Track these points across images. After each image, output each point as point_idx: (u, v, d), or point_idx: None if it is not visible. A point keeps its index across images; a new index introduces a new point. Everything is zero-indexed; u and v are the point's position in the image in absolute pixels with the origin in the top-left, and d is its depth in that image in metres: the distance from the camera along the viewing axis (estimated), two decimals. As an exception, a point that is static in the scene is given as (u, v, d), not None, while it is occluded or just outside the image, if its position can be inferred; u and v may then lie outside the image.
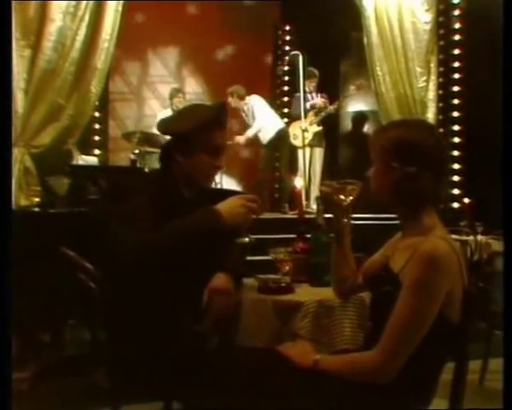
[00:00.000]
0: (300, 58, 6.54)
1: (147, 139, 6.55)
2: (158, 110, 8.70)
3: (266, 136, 6.89)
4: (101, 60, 5.74)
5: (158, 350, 1.85)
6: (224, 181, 7.30)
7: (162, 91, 8.93)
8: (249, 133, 6.89)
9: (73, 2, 5.57)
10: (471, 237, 5.27)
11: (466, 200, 5.52)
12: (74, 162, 4.67)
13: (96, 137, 7.50)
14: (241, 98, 6.98)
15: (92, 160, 4.83)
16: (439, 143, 1.73)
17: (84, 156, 4.80)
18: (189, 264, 1.89)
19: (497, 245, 5.35)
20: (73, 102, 5.62)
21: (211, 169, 2.14)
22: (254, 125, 6.87)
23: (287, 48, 8.44)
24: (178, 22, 8.68)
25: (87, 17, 5.64)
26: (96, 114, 7.46)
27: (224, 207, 1.91)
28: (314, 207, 6.94)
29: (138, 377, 1.83)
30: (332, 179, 2.02)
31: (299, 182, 2.50)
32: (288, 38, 8.49)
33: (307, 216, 5.70)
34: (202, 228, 1.86)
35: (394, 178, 1.67)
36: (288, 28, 8.53)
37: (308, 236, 2.44)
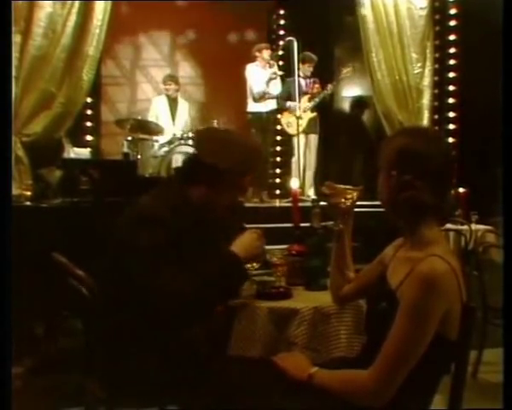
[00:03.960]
0: (295, 44, 6.44)
1: (139, 126, 6.49)
2: (151, 94, 8.63)
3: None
4: (92, 46, 5.66)
5: (153, 362, 1.83)
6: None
7: (155, 75, 8.82)
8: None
9: (63, -12, 5.48)
10: (466, 227, 5.26)
11: (461, 189, 5.49)
12: (66, 155, 4.60)
13: (88, 123, 7.43)
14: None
15: (84, 152, 4.77)
16: (444, 153, 1.66)
17: (76, 149, 4.74)
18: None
19: (492, 235, 5.36)
20: (65, 90, 5.56)
21: (233, 204, 2.16)
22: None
23: (281, 32, 8.33)
24: (171, 6, 8.55)
25: (77, 2, 5.56)
26: (88, 100, 7.38)
27: (241, 247, 2.01)
28: (310, 193, 7.02)
29: (133, 389, 1.81)
30: (329, 178, 1.99)
31: (295, 183, 2.45)
32: (282, 22, 8.38)
33: (302, 204, 5.79)
34: (226, 274, 1.95)
35: (393, 187, 1.64)
36: (282, 12, 8.41)
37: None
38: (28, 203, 3.62)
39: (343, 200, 1.92)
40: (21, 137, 5.34)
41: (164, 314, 1.84)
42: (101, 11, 5.66)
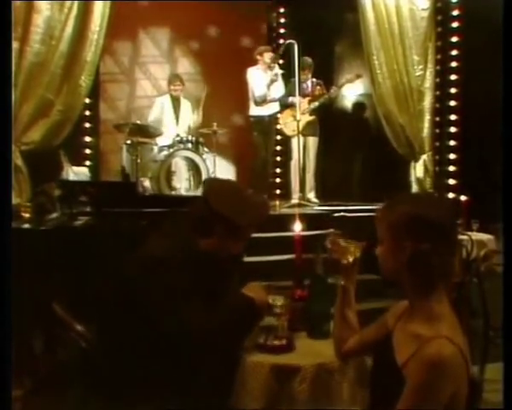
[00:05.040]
0: (295, 47, 6.38)
1: (139, 130, 6.44)
2: (150, 91, 8.56)
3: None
4: (90, 52, 5.61)
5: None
6: (219, 166, 7.22)
7: (154, 72, 8.75)
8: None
9: (61, -7, 5.40)
10: (466, 237, 5.24)
11: (462, 197, 5.46)
12: (64, 174, 4.55)
13: (87, 124, 7.38)
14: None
15: (83, 171, 4.72)
16: (451, 217, 1.64)
17: (74, 168, 4.69)
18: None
19: (493, 243, 5.35)
20: (63, 97, 5.51)
21: (241, 253, 2.22)
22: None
23: (281, 30, 8.26)
24: (170, 2, 8.44)
25: (75, 8, 5.50)
26: (87, 100, 7.32)
27: (253, 293, 2.07)
28: (310, 196, 6.99)
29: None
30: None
31: (298, 226, 2.42)
32: (282, 20, 8.30)
33: (302, 211, 5.79)
34: (243, 315, 2.02)
35: (407, 257, 1.59)
36: (282, 10, 8.32)
37: (306, 282, 2.39)
38: (27, 226, 3.59)
39: (346, 257, 1.90)
40: (20, 146, 5.30)
41: (182, 355, 1.89)
42: (99, 16, 5.59)
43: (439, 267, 1.57)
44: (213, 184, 2.21)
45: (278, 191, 8.07)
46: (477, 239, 5.24)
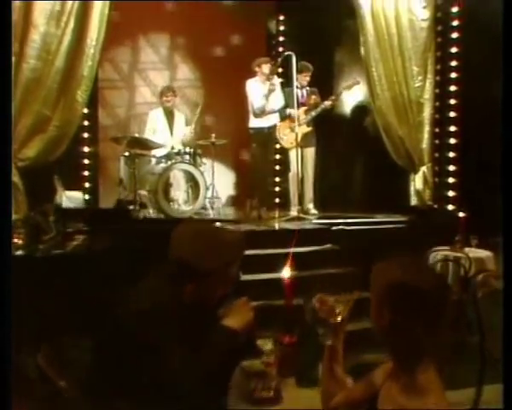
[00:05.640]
0: (294, 58, 6.36)
1: (136, 142, 6.42)
2: (149, 98, 8.54)
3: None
4: (87, 66, 5.57)
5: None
6: (219, 180, 7.21)
7: (153, 79, 8.73)
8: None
9: (58, 7, 5.37)
10: (464, 254, 5.22)
11: (460, 214, 5.42)
12: (58, 199, 4.53)
13: (86, 134, 7.35)
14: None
15: (77, 196, 4.70)
16: (439, 288, 1.59)
17: (67, 192, 4.66)
18: None
19: (492, 261, 5.32)
20: (59, 113, 5.48)
21: (226, 291, 2.16)
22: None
23: (280, 38, 8.23)
24: (170, 8, 8.42)
25: (72, 22, 5.47)
26: (85, 111, 7.30)
27: (236, 319, 2.05)
28: (309, 206, 6.96)
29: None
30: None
31: (287, 272, 2.38)
32: (281, 27, 8.26)
33: (300, 226, 5.74)
34: (225, 349, 2.00)
35: (384, 325, 1.58)
36: (281, 18, 8.27)
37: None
38: (20, 252, 3.57)
39: (334, 317, 1.87)
40: (17, 162, 5.28)
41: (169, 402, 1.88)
42: (95, 30, 5.55)
43: (422, 339, 1.54)
44: (180, 232, 2.16)
45: (278, 200, 8.05)
46: (475, 257, 5.22)
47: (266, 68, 6.58)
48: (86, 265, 3.41)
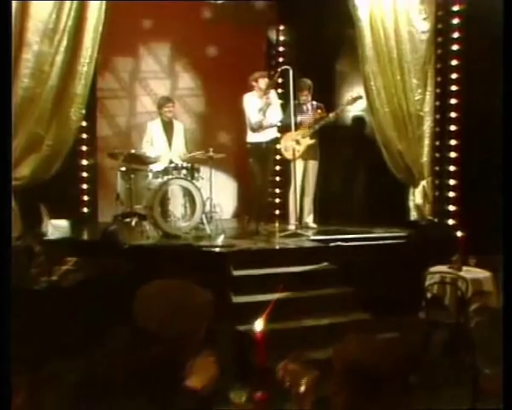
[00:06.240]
0: (291, 72, 6.29)
1: (133, 158, 6.40)
2: (150, 107, 8.48)
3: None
4: (80, 85, 5.54)
5: None
6: (220, 190, 7.17)
7: (154, 88, 8.69)
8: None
9: (51, 25, 5.34)
10: (462, 273, 5.14)
11: (459, 233, 5.33)
12: (44, 228, 4.50)
13: (84, 147, 7.34)
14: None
15: (62, 224, 4.66)
16: (393, 370, 1.55)
17: (53, 221, 4.62)
18: None
19: (490, 282, 5.22)
20: (53, 132, 5.47)
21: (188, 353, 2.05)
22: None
23: (281, 48, 8.15)
24: (170, 17, 8.36)
25: (65, 40, 5.44)
26: (83, 124, 7.27)
27: (199, 378, 1.97)
28: (308, 220, 6.91)
29: None
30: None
31: (259, 325, 2.32)
32: (282, 37, 8.17)
33: (295, 245, 5.67)
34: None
35: (340, 403, 1.54)
36: (281, 28, 8.19)
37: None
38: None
39: (298, 386, 1.81)
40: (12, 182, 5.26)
41: None
42: (88, 48, 5.52)
43: None
44: (141, 295, 2.09)
45: (278, 212, 7.98)
46: (473, 278, 5.13)
47: (263, 83, 6.52)
48: (60, 301, 3.37)
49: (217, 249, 5.25)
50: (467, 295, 4.94)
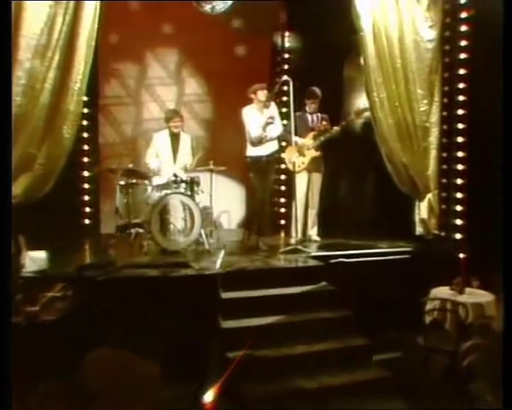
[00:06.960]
0: (291, 84, 6.13)
1: (131, 172, 6.33)
2: (157, 114, 8.40)
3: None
4: (73, 102, 5.45)
5: None
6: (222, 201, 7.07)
7: (161, 94, 8.61)
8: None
9: (43, 42, 5.27)
10: (463, 298, 4.94)
11: (461, 255, 5.11)
12: (22, 259, 4.43)
13: (85, 159, 7.31)
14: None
15: (40, 256, 4.58)
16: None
17: (30, 253, 4.54)
18: None
19: (493, 306, 5.00)
20: (45, 150, 5.40)
21: None
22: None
23: (286, 55, 7.98)
24: (177, 22, 8.26)
25: (57, 56, 5.35)
26: (85, 135, 7.24)
27: None
28: (312, 233, 6.76)
29: None
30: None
31: (208, 397, 2.21)
32: (287, 44, 7.99)
33: (297, 265, 5.49)
34: None
35: None
36: (287, 34, 8.01)
37: None
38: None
39: None
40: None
41: None
42: (81, 63, 5.43)
43: None
44: (89, 362, 2.03)
45: (283, 222, 7.83)
46: (474, 303, 4.91)
47: (262, 95, 6.36)
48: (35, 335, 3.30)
49: (206, 272, 5.10)
50: (466, 322, 4.74)
